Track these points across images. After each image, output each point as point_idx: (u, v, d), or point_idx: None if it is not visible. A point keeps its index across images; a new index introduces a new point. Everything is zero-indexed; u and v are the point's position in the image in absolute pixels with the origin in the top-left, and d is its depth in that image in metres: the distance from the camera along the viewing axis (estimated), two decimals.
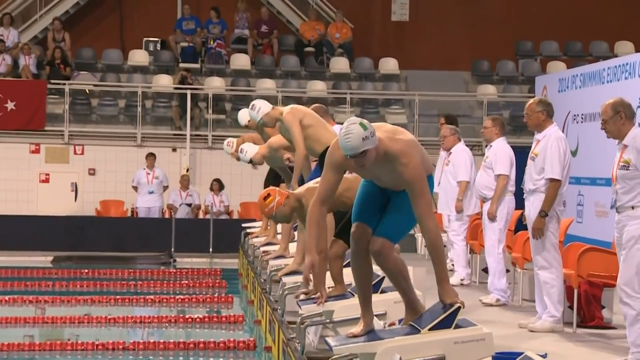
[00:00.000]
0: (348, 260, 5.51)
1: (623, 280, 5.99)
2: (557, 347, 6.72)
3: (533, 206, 7.40)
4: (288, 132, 8.14)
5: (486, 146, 9.45)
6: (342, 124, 5.07)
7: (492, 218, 8.77)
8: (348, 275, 5.62)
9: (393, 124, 5.25)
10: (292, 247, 8.33)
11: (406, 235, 5.20)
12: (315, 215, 5.07)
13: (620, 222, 6.09)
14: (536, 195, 7.40)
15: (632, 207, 6.01)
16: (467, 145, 10.79)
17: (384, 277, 5.91)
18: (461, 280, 10.14)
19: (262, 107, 8.27)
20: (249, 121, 10.06)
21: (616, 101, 6.18)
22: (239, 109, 18.68)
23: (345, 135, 4.76)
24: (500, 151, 8.89)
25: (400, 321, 5.84)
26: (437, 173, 11.30)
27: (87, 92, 18.88)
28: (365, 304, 5.16)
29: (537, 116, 7.48)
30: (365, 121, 4.88)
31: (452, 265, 10.81)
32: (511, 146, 9.10)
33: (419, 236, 13.67)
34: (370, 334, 4.93)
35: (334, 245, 6.15)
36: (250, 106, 8.58)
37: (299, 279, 7.21)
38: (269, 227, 10.23)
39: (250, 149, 9.19)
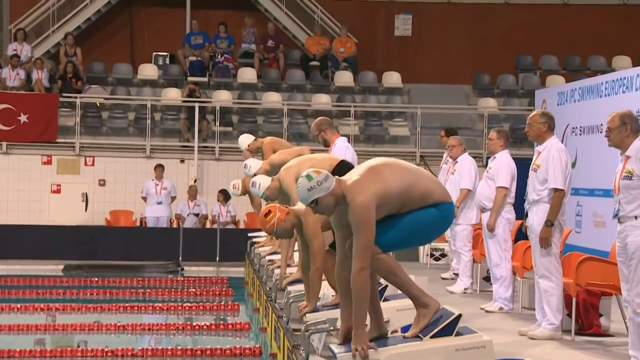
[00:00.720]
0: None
1: (635, 291, 5.94)
2: (556, 354, 6.70)
3: (536, 216, 7.39)
4: (289, 193, 8.11)
5: (489, 157, 9.44)
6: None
7: (491, 230, 8.76)
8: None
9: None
10: (296, 255, 8.32)
11: (402, 247, 5.13)
12: (343, 280, 5.06)
13: (622, 232, 6.06)
14: (539, 206, 7.39)
15: (636, 217, 5.98)
16: None
17: (386, 286, 5.91)
18: (465, 289, 10.14)
19: (262, 183, 8.20)
20: (249, 145, 10.15)
21: (625, 113, 6.18)
22: (246, 122, 18.97)
23: (297, 186, 4.99)
24: (503, 163, 8.88)
25: (402, 329, 5.84)
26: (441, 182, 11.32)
27: (98, 105, 18.92)
28: (371, 310, 5.13)
29: (539, 127, 7.48)
30: (312, 172, 4.94)
31: (455, 275, 10.81)
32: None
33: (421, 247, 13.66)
34: (372, 341, 4.92)
35: (330, 257, 6.22)
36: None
37: (303, 287, 7.21)
38: (274, 237, 10.22)
39: (254, 164, 9.20)
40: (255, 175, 9.20)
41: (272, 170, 9.36)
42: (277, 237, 7.83)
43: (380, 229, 4.96)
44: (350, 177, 4.99)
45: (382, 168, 5.01)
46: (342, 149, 9.35)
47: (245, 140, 10.37)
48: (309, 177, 4.91)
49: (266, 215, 6.64)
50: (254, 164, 9.22)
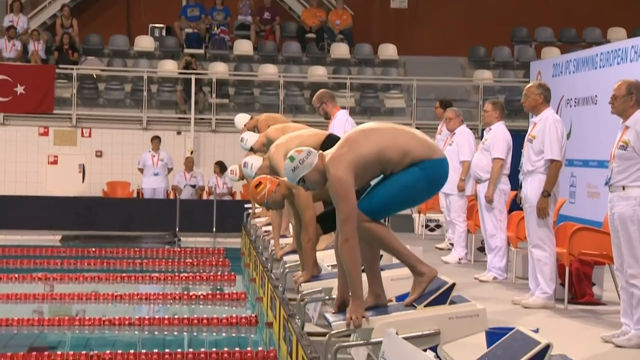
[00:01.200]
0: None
1: (627, 263, 5.95)
2: (549, 322, 6.73)
3: (531, 187, 7.40)
4: (278, 171, 8.12)
5: (484, 129, 9.43)
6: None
7: (490, 201, 8.77)
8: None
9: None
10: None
11: (390, 212, 5.10)
12: (337, 251, 5.04)
13: (611, 201, 6.08)
14: (534, 176, 7.39)
15: (623, 187, 6.00)
16: None
17: (381, 255, 5.92)
18: (459, 259, 10.18)
19: (254, 163, 8.27)
20: (245, 125, 10.14)
21: (632, 82, 6.13)
22: (242, 94, 18.91)
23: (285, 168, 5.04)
24: (498, 135, 8.87)
25: (397, 298, 5.85)
26: None
27: (95, 76, 18.85)
28: (369, 279, 5.12)
29: (535, 98, 7.46)
30: (293, 152, 5.00)
31: (451, 245, 10.83)
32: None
33: (416, 217, 13.69)
34: (368, 310, 4.92)
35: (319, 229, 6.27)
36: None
37: (298, 258, 7.22)
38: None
39: (251, 138, 9.16)
40: (252, 149, 9.19)
41: (269, 144, 9.34)
42: (267, 208, 7.84)
43: (365, 197, 4.96)
44: (330, 151, 4.99)
45: (358, 136, 4.99)
46: (342, 121, 9.34)
47: (242, 119, 10.34)
48: (291, 158, 4.99)
49: (256, 186, 6.64)
50: (251, 137, 9.19)
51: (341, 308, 5.08)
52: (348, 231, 4.80)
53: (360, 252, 4.89)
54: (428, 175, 4.95)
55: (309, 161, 4.94)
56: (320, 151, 5.03)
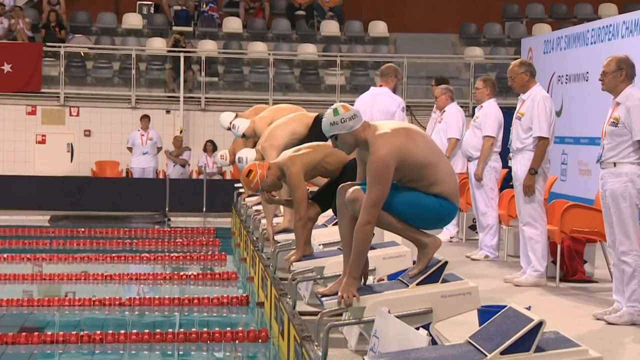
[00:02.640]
0: None
1: (618, 240, 5.97)
2: (541, 300, 6.76)
3: (520, 164, 7.41)
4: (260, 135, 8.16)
5: (475, 107, 9.43)
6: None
7: (479, 179, 8.78)
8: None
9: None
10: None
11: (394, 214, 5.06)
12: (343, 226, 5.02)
13: (602, 178, 6.10)
14: (523, 154, 7.41)
15: (614, 164, 6.01)
16: None
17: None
18: (450, 237, 10.19)
19: (241, 125, 8.28)
20: (231, 122, 10.13)
21: (622, 58, 6.12)
22: (232, 72, 18.85)
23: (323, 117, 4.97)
24: (490, 112, 8.87)
25: (389, 276, 5.87)
26: (428, 131, 11.32)
27: (82, 54, 18.75)
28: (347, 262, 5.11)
29: (522, 77, 7.46)
30: (340, 107, 4.91)
31: None
32: None
33: None
34: (360, 289, 4.93)
35: (310, 208, 6.25)
36: (232, 126, 8.90)
37: (290, 236, 7.23)
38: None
39: (242, 124, 9.13)
40: (244, 135, 9.17)
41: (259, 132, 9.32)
42: (264, 192, 7.83)
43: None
44: (382, 128, 4.93)
45: (416, 134, 4.95)
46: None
47: (227, 118, 10.30)
48: (335, 111, 4.88)
49: (248, 174, 6.63)
50: (242, 123, 9.16)
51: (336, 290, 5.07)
52: (373, 215, 4.79)
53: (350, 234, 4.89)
54: (441, 213, 4.98)
55: (350, 123, 4.86)
56: (368, 121, 4.96)
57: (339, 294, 4.79)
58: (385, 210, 4.90)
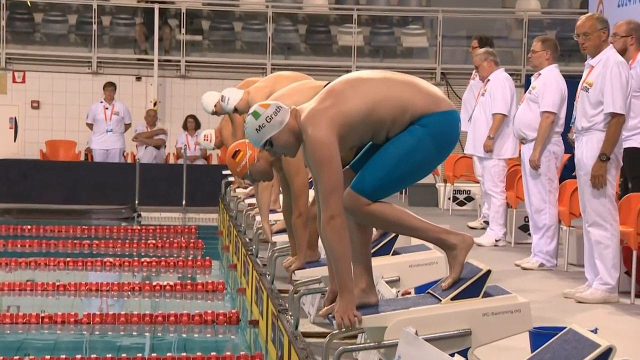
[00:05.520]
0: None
1: None
2: (611, 321, 6.76)
3: (587, 148, 7.39)
4: None
5: (530, 75, 9.41)
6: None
7: (535, 167, 8.78)
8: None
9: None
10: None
11: (392, 190, 5.05)
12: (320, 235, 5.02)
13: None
14: (591, 135, 7.39)
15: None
16: None
17: (396, 237, 5.95)
18: (496, 240, 10.21)
19: (231, 97, 8.37)
20: (215, 105, 10.18)
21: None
22: (220, 29, 18.86)
23: (245, 128, 5.00)
24: (550, 82, 8.85)
25: (417, 289, 5.88)
26: (468, 107, 11.31)
27: (29, 4, 18.79)
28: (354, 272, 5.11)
29: (599, 35, 7.43)
30: (257, 107, 4.95)
31: (485, 223, 10.87)
32: None
33: (440, 186, 13.72)
34: (380, 305, 4.95)
35: (314, 205, 6.21)
36: (221, 98, 9.00)
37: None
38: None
39: (234, 95, 9.17)
40: (236, 110, 9.21)
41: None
42: (252, 181, 7.86)
43: (357, 175, 4.93)
44: (306, 105, 4.97)
45: (344, 87, 4.96)
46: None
47: (210, 99, 10.34)
48: (255, 114, 4.93)
49: (234, 155, 6.63)
50: (234, 94, 9.19)
51: (333, 302, 5.08)
52: (333, 207, 4.79)
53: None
54: (433, 134, 4.91)
55: (278, 119, 4.90)
56: (293, 106, 5.00)
57: (336, 317, 4.79)
58: (384, 188, 4.90)
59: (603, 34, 7.45)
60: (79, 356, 7.25)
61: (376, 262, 5.37)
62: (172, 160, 17.42)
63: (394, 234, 5.91)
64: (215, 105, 10.33)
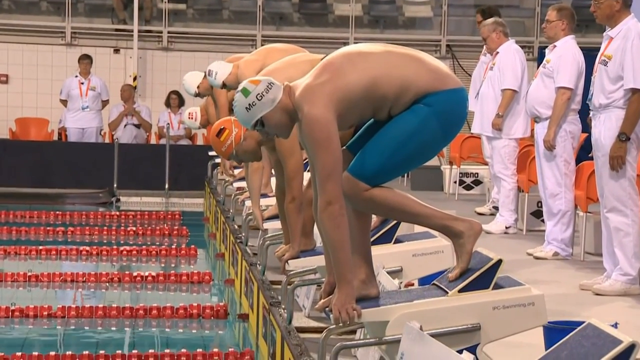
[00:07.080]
0: None
1: None
2: (632, 315, 6.78)
3: (605, 127, 7.40)
4: None
5: (544, 47, 9.41)
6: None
7: (550, 148, 8.78)
8: None
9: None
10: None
11: (394, 174, 5.04)
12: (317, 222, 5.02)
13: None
14: (609, 112, 7.39)
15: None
16: None
17: (398, 223, 5.95)
18: (506, 227, 10.23)
19: (219, 71, 8.48)
20: (198, 87, 10.18)
21: None
22: None
23: (233, 106, 4.99)
24: (566, 55, 8.84)
25: (421, 280, 5.88)
26: (477, 85, 11.29)
27: None
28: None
29: (610, 4, 7.44)
30: (247, 84, 4.93)
31: (495, 208, 10.88)
32: None
33: (446, 169, 13.73)
34: (381, 297, 4.95)
35: (309, 188, 6.21)
36: (207, 72, 9.05)
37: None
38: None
39: (222, 69, 9.16)
40: (224, 85, 9.21)
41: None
42: (238, 162, 7.86)
43: (356, 156, 4.92)
44: (302, 81, 4.94)
45: (342, 61, 4.94)
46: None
47: (192, 80, 10.32)
48: (244, 91, 4.89)
49: (219, 134, 6.62)
50: (222, 68, 9.17)
51: (331, 294, 5.08)
52: (331, 191, 4.78)
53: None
54: (439, 113, 4.91)
55: (270, 96, 4.88)
56: (286, 82, 4.99)
57: (334, 311, 4.79)
58: (386, 172, 4.90)
59: (616, 3, 7.44)
60: (52, 353, 7.25)
61: (376, 251, 5.38)
62: (153, 140, 17.42)
63: (395, 221, 5.92)
64: (198, 87, 10.33)
